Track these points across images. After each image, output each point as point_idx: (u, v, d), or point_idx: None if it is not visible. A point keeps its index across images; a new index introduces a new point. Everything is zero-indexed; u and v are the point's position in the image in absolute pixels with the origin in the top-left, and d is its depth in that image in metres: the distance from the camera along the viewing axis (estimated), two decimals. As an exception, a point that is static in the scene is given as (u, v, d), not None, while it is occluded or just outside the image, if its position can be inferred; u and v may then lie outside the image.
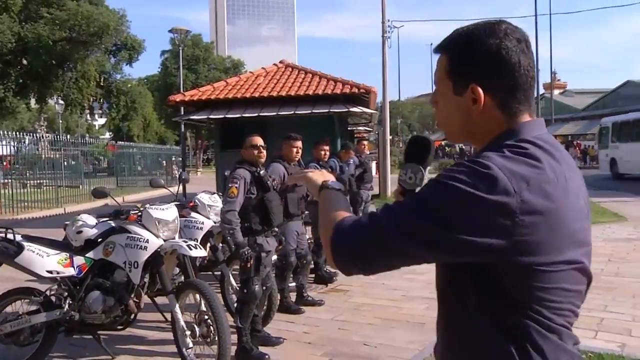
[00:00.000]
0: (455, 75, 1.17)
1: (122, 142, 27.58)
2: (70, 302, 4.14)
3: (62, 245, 4.34)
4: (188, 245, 4.07)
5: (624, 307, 5.36)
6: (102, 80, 31.25)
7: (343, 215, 1.21)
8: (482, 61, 1.14)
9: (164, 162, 29.11)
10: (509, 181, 1.03)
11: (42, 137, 22.38)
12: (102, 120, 65.73)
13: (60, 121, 48.93)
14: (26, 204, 16.68)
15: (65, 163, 20.73)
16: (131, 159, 26.15)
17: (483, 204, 1.02)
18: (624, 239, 9.17)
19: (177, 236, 4.29)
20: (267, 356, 4.28)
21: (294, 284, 5.87)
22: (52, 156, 20.57)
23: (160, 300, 4.84)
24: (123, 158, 25.53)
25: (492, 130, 1.17)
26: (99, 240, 4.26)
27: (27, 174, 19.21)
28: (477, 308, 1.12)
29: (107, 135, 61.05)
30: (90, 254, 4.20)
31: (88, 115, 52.40)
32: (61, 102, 32.76)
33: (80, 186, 20.11)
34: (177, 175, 14.45)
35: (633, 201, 14.78)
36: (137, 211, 4.27)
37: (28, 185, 18.43)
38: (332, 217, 1.22)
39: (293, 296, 5.80)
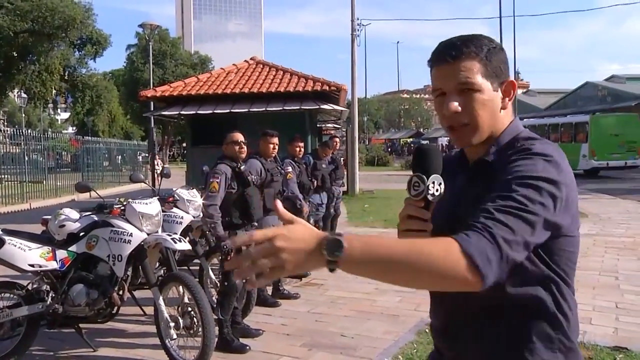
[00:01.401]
0: (492, 76, 1.33)
1: (88, 137, 27.07)
2: (53, 295, 4.18)
3: (43, 239, 4.37)
4: (172, 239, 4.15)
5: (585, 298, 5.64)
6: (66, 74, 30.61)
7: (436, 241, 1.09)
8: (505, 61, 1.36)
9: (140, 157, 28.79)
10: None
11: (2, 130, 21.81)
12: (65, 115, 64.37)
13: (22, 115, 47.72)
14: (-12, 199, 16.30)
15: (27, 158, 20.26)
16: (97, 154, 25.73)
17: (573, 183, 1.26)
18: (584, 234, 9.52)
19: (160, 230, 4.37)
20: (248, 347, 4.40)
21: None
22: (12, 151, 20.09)
23: (139, 294, 4.92)
24: (88, 153, 25.10)
25: (504, 123, 1.37)
26: (82, 234, 4.30)
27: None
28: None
29: (71, 130, 59.70)
30: (73, 248, 4.24)
31: (51, 110, 51.19)
32: (24, 95, 31.98)
33: (44, 181, 19.72)
34: (159, 171, 14.30)
35: (591, 198, 15.34)
36: (120, 205, 4.33)
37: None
38: (427, 251, 1.05)
39: (269, 290, 5.92)
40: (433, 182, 1.24)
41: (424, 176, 1.25)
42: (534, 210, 1.15)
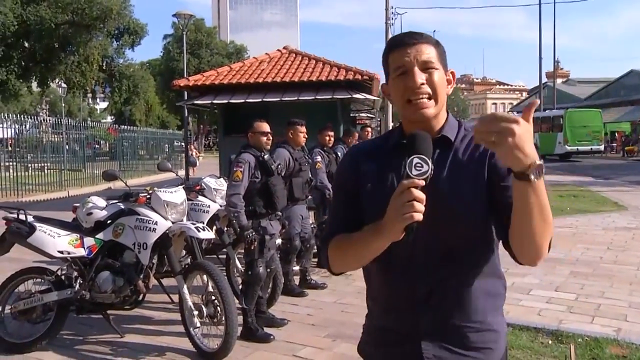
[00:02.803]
0: (442, 62, 1.51)
1: (125, 126, 27.57)
2: (81, 281, 4.25)
3: (72, 227, 4.44)
4: (196, 228, 4.17)
5: (621, 294, 5.46)
6: (104, 64, 31.18)
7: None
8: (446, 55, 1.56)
9: (173, 144, 29.21)
10: None
11: (44, 120, 22.42)
12: (104, 104, 65.70)
13: (63, 105, 48.91)
14: (30, 187, 16.77)
15: (67, 146, 20.78)
16: (133, 143, 26.22)
17: None
18: (623, 227, 9.26)
19: (185, 219, 4.39)
20: (272, 336, 4.40)
21: (297, 267, 5.98)
22: (54, 139, 20.63)
23: (167, 282, 4.96)
24: (125, 142, 25.59)
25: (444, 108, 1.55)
26: (109, 222, 4.35)
27: (29, 157, 19.28)
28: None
29: (109, 119, 60.99)
30: (100, 235, 4.30)
31: (90, 99, 52.31)
32: (63, 85, 32.74)
33: (83, 170, 20.20)
34: (192, 158, 14.47)
35: (631, 190, 14.86)
36: (146, 194, 4.36)
37: (30, 168, 18.51)
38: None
39: (297, 279, 5.91)
40: (432, 166, 1.31)
41: (425, 156, 1.30)
42: None
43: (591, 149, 29.54)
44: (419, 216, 1.27)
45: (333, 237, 1.57)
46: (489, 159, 1.45)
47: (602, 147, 30.41)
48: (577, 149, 29.24)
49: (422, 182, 1.29)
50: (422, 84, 1.45)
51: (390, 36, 18.87)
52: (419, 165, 1.29)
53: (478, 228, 1.47)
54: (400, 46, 1.48)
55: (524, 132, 1.17)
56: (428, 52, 1.47)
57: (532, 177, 1.21)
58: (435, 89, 1.46)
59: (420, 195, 1.28)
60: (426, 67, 1.46)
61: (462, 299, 1.49)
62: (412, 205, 1.27)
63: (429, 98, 1.46)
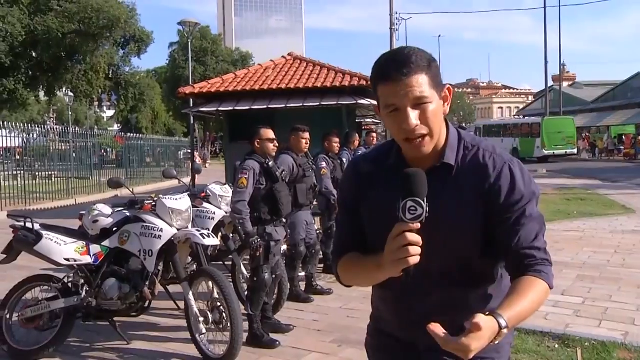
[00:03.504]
0: (436, 86, 1.43)
1: (131, 134, 27.71)
2: (87, 289, 4.28)
3: (78, 234, 4.48)
4: (201, 234, 4.19)
5: (629, 297, 5.43)
6: (110, 72, 31.34)
7: (539, 290, 1.41)
8: (439, 70, 1.47)
9: (181, 152, 29.33)
10: None
11: (52, 128, 22.56)
12: (110, 112, 66.05)
13: (70, 113, 49.23)
14: (38, 195, 16.87)
15: (75, 155, 20.90)
16: (140, 150, 26.34)
17: None
18: (631, 231, 9.21)
19: (190, 225, 4.41)
20: (277, 342, 4.40)
21: (303, 273, 5.98)
22: (61, 148, 20.74)
23: (173, 289, 4.98)
24: (132, 150, 25.71)
25: (444, 127, 1.51)
26: (115, 229, 4.38)
27: (37, 166, 19.40)
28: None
29: (116, 127, 61.34)
30: (106, 243, 4.33)
31: (97, 107, 52.63)
32: (70, 94, 32.92)
33: (90, 177, 20.30)
34: (197, 165, 14.53)
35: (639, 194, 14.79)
36: (151, 201, 4.39)
37: (38, 176, 18.62)
38: (540, 300, 1.41)
39: (303, 285, 5.92)
40: (428, 205, 1.31)
41: (419, 199, 1.30)
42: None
43: (566, 152, 32.77)
44: (414, 260, 1.30)
45: (342, 256, 1.62)
46: (488, 190, 1.46)
47: (575, 150, 33.75)
48: (554, 152, 32.42)
49: (417, 226, 1.30)
50: (417, 125, 1.40)
51: (394, 42, 18.96)
52: (412, 209, 1.30)
53: (477, 252, 1.48)
54: (389, 80, 1.40)
55: (479, 342, 1.24)
56: (420, 86, 1.39)
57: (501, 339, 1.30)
58: (430, 126, 1.42)
59: (415, 238, 1.30)
60: (419, 103, 1.40)
61: (461, 317, 1.46)
62: (407, 250, 1.30)
63: (424, 136, 1.43)
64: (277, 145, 4.71)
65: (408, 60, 1.39)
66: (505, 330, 1.27)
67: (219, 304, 4.09)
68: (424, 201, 1.30)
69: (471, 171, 1.47)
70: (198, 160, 22.64)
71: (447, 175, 1.48)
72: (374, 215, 1.53)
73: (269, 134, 4.65)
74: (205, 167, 28.85)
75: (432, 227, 1.33)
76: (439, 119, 1.45)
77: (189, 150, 24.74)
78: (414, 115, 1.40)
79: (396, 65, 1.39)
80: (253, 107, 12.08)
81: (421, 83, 1.39)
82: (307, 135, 5.48)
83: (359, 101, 12.02)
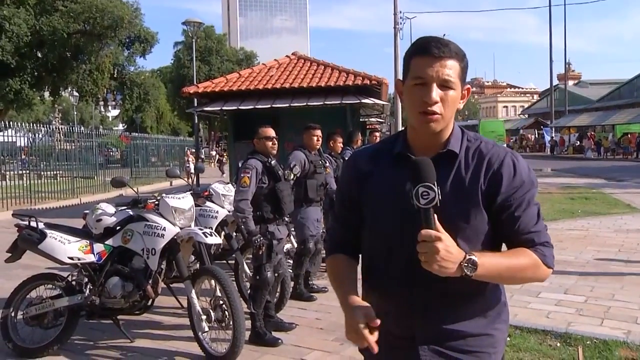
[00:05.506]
0: (463, 79, 1.53)
1: (136, 134, 27.80)
2: (91, 287, 4.31)
3: (82, 233, 4.51)
4: (204, 233, 4.21)
5: (632, 296, 5.42)
6: (115, 72, 31.46)
7: (526, 258, 1.49)
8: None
9: (188, 151, 29.42)
10: None
11: (57, 128, 22.66)
12: (115, 112, 66.26)
13: (75, 113, 49.41)
14: (43, 194, 16.96)
15: (80, 154, 20.98)
16: (144, 150, 26.41)
17: None
18: (635, 230, 9.19)
19: (193, 224, 4.44)
20: (280, 340, 4.42)
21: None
22: (66, 147, 20.83)
23: (176, 287, 5.01)
24: (136, 149, 25.79)
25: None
26: (118, 228, 4.41)
27: (42, 165, 19.49)
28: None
29: (121, 126, 61.50)
30: (109, 242, 4.36)
31: (102, 107, 52.81)
32: (75, 93, 33.07)
33: (95, 177, 20.38)
34: (200, 164, 14.56)
35: (646, 192, 14.73)
36: (154, 200, 4.41)
37: (43, 176, 18.70)
38: (522, 266, 1.49)
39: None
40: (439, 188, 1.38)
41: (430, 184, 1.37)
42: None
43: None
44: (361, 345, 1.50)
45: (331, 253, 1.74)
46: (491, 178, 1.52)
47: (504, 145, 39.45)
48: None
49: (432, 212, 1.38)
50: (436, 102, 1.48)
51: (398, 41, 18.94)
52: (425, 194, 1.37)
53: (478, 241, 1.51)
54: (426, 55, 1.48)
55: (445, 244, 1.34)
56: (451, 70, 1.48)
57: (469, 272, 1.38)
58: (445, 109, 1.50)
59: (372, 342, 1.46)
60: (444, 85, 1.48)
61: (459, 310, 1.53)
62: (361, 339, 1.50)
63: (438, 115, 1.50)
64: (275, 143, 4.71)
65: (449, 44, 1.50)
66: (472, 259, 1.37)
67: (221, 302, 4.11)
68: (434, 185, 1.36)
69: (475, 160, 1.53)
70: (191, 159, 22.62)
71: (452, 163, 1.54)
72: (380, 198, 1.58)
73: (267, 132, 4.67)
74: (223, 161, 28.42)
75: (435, 213, 1.38)
76: (453, 108, 1.52)
77: (194, 150, 24.75)
78: (436, 93, 1.47)
79: (438, 44, 1.48)
80: (257, 107, 12.09)
81: (453, 68, 1.49)
82: (318, 132, 5.66)
83: (363, 100, 12.02)
